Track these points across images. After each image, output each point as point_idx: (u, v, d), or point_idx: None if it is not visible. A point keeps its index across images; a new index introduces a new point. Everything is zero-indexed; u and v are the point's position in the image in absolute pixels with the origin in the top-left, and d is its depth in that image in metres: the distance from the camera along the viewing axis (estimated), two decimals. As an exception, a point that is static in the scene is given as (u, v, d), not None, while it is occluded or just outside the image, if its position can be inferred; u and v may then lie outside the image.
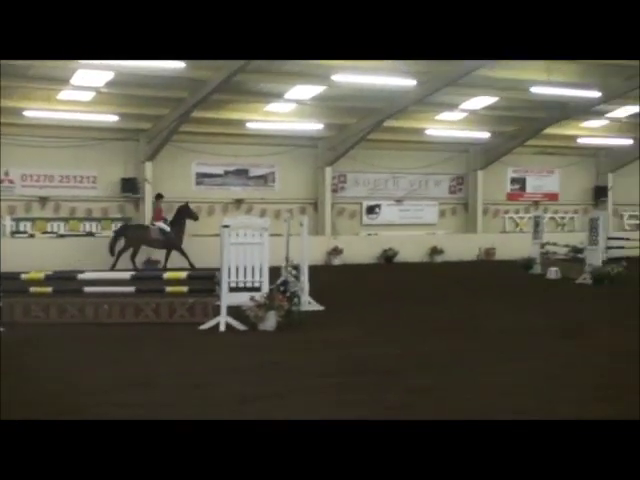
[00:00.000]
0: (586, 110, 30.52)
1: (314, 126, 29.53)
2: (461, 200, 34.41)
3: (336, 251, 29.33)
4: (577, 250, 25.10)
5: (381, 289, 20.78)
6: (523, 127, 32.46)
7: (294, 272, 16.05)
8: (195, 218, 25.98)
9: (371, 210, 32.88)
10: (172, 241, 25.12)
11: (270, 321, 13.22)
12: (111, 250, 24.47)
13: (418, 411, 7.97)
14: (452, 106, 29.87)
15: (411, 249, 30.34)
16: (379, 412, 7.84)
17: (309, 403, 8.25)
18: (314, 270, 16.98)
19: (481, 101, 29.44)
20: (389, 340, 12.51)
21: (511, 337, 12.84)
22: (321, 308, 15.73)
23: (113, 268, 23.60)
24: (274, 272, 15.04)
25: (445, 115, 30.98)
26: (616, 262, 22.71)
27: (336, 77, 23.49)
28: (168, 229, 25.18)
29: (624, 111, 31.98)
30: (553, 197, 35.88)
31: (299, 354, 11.33)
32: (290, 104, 28.20)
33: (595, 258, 22.28)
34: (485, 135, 32.33)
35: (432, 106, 29.22)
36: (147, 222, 26.60)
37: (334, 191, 31.99)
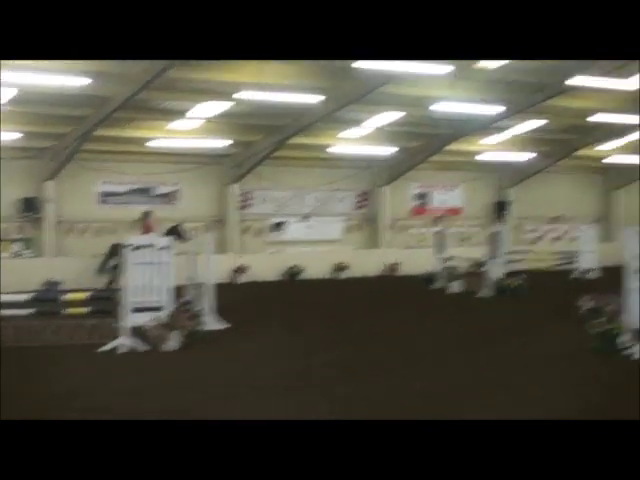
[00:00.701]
0: (488, 126, 31.22)
1: (219, 143, 29.48)
2: (366, 216, 34.79)
3: (241, 269, 29.29)
4: (479, 264, 25.62)
5: (286, 306, 20.84)
6: (427, 143, 33.01)
7: (199, 291, 16.02)
8: (184, 240, 25.01)
9: (277, 227, 32.97)
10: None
11: (173, 341, 13.18)
12: (101, 269, 24.76)
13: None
14: (357, 122, 30.18)
15: (316, 265, 30.49)
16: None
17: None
18: (219, 288, 16.96)
19: (385, 117, 29.84)
20: (292, 357, 12.60)
21: (416, 349, 13.12)
22: (226, 326, 15.73)
23: (109, 284, 23.98)
24: (178, 291, 14.99)
25: (350, 132, 31.28)
26: (516, 275, 23.28)
27: (240, 94, 23.52)
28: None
29: (524, 126, 32.87)
30: (456, 212, 36.54)
31: (203, 373, 11.34)
32: (194, 121, 28.13)
33: (496, 271, 22.82)
34: (389, 151, 32.74)
35: (337, 123, 29.47)
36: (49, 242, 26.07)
37: (240, 208, 31.99)
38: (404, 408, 8.95)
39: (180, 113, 26.91)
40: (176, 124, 28.01)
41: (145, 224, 25.29)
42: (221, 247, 30.39)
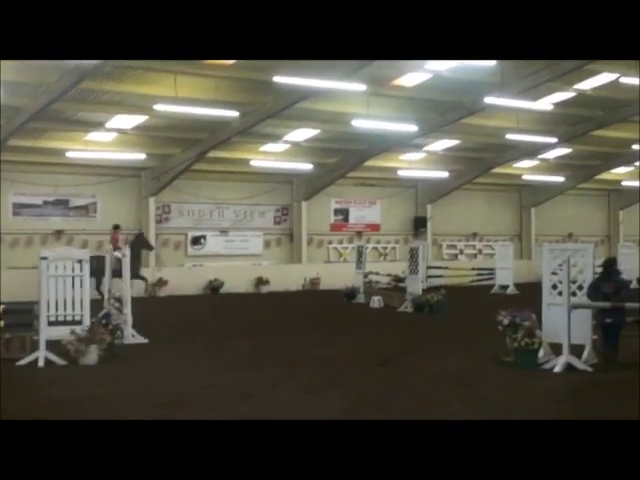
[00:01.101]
0: (405, 143, 31.67)
1: (137, 156, 29.14)
2: (286, 231, 34.81)
3: (161, 282, 29.02)
4: (398, 279, 25.90)
5: (206, 321, 20.68)
6: (345, 159, 33.24)
7: (117, 305, 15.80)
8: (150, 248, 27.99)
9: (196, 241, 32.70)
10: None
11: (91, 355, 12.97)
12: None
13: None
14: (276, 137, 30.30)
15: (237, 280, 30.42)
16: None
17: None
18: (138, 302, 16.77)
19: (304, 133, 30.03)
20: (211, 371, 12.50)
21: (330, 365, 13.13)
22: (145, 341, 15.53)
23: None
24: (96, 305, 14.75)
25: (269, 146, 31.35)
26: (435, 290, 23.55)
27: (158, 107, 23.34)
28: (122, 257, 24.44)
29: (440, 145, 33.43)
30: (375, 227, 36.79)
31: (120, 388, 11.17)
32: (111, 133, 27.79)
33: (415, 287, 23.05)
34: (308, 166, 32.83)
35: (256, 137, 29.53)
36: None
37: (158, 222, 31.65)
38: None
39: (97, 125, 26.59)
40: (93, 135, 27.63)
41: (113, 237, 26.99)
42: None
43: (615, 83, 26.00)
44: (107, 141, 28.35)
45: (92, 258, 25.09)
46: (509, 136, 30.99)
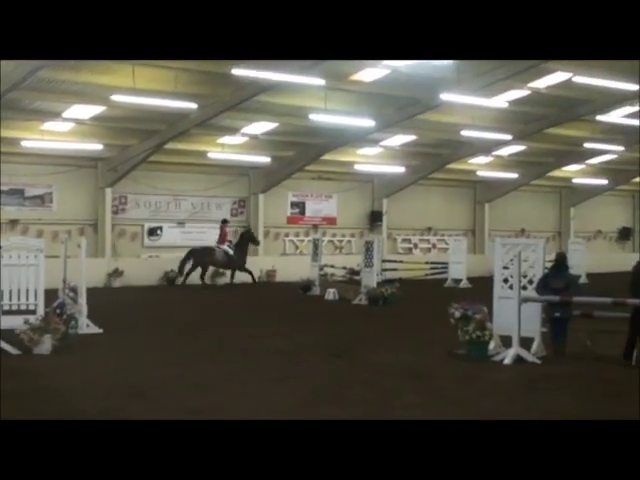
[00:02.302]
0: (362, 138, 31.72)
1: (94, 146, 28.87)
2: (243, 223, 34.68)
3: (116, 273, 28.81)
4: (354, 272, 25.96)
5: (161, 312, 20.59)
6: (302, 153, 33.26)
7: (72, 294, 15.67)
8: (257, 243, 30.52)
9: (153, 232, 32.51)
10: (235, 262, 28.49)
11: (45, 344, 12.86)
12: (180, 270, 28.29)
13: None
14: (233, 130, 30.20)
15: (194, 272, 30.22)
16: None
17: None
18: (93, 292, 16.63)
19: (262, 126, 29.99)
20: (166, 363, 12.45)
21: (286, 356, 13.16)
22: (99, 331, 15.42)
23: (183, 284, 27.88)
24: (50, 294, 14.61)
25: (227, 139, 31.25)
26: (390, 283, 23.69)
27: (115, 97, 23.14)
28: (231, 251, 28.46)
29: (397, 140, 33.56)
30: (331, 221, 36.87)
31: (73, 378, 11.10)
32: (69, 123, 27.51)
33: (370, 279, 23.15)
34: (266, 159, 32.82)
35: (214, 129, 29.41)
36: None
37: (115, 212, 31.42)
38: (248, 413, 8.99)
39: (54, 114, 26.30)
40: (49, 125, 27.32)
41: (222, 231, 29.57)
42: (96, 251, 29.83)
43: (568, 82, 26.25)
44: (64, 131, 28.05)
45: (199, 249, 29.76)
46: (465, 132, 31.21)
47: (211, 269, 30.15)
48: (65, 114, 26.39)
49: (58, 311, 14.11)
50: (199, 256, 28.40)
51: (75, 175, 30.42)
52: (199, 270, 28.51)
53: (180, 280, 28.31)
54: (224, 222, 29.94)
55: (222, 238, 29.13)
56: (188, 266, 28.28)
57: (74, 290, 15.69)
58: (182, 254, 31.45)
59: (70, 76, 22.73)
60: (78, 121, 27.26)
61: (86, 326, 15.28)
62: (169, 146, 29.28)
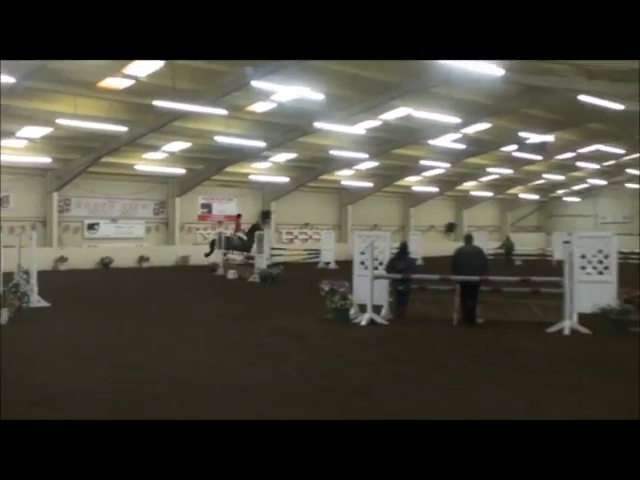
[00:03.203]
0: (255, 155, 31.60)
1: (43, 160, 27.77)
2: (163, 220, 34.06)
3: (62, 259, 27.79)
4: (249, 257, 25.86)
5: (97, 289, 19.99)
6: (210, 166, 32.84)
7: (25, 276, 15.01)
8: (261, 230, 27.54)
9: (91, 227, 31.54)
10: (246, 246, 27.15)
11: (3, 316, 12.30)
12: (209, 253, 27.65)
13: (129, 385, 7.84)
14: (156, 148, 29.58)
15: (124, 257, 29.53)
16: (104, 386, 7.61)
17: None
18: (43, 275, 16.00)
19: (178, 145, 29.49)
20: (102, 328, 12.13)
21: (194, 322, 13.00)
22: (48, 305, 14.85)
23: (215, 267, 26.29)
24: (8, 277, 13.97)
25: (150, 154, 30.56)
26: (277, 266, 23.68)
27: (60, 121, 22.36)
28: (245, 237, 27.59)
29: (282, 157, 33.55)
30: (232, 218, 36.39)
31: (29, 342, 10.67)
32: (22, 141, 26.37)
33: (262, 263, 23.10)
34: (181, 171, 32.29)
35: (140, 147, 28.73)
36: None
37: (60, 211, 30.29)
38: (179, 380, 8.87)
39: (10, 134, 25.14)
40: (7, 142, 26.03)
41: (237, 222, 29.66)
42: (45, 242, 28.73)
43: (409, 116, 26.84)
44: (19, 147, 26.85)
45: (219, 238, 28.10)
46: (333, 152, 31.49)
47: (136, 256, 29.56)
48: (19, 133, 25.30)
49: (13, 290, 13.48)
50: (220, 242, 27.71)
51: (28, 182, 29.15)
52: None
53: (215, 263, 27.21)
54: (238, 216, 30.29)
55: (237, 228, 29.19)
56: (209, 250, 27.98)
57: (27, 273, 15.02)
58: (115, 244, 30.85)
59: (23, 103, 21.81)
60: (30, 139, 26.19)
61: (37, 301, 14.69)
62: (104, 160, 28.43)
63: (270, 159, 33.74)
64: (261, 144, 28.47)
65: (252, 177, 34.97)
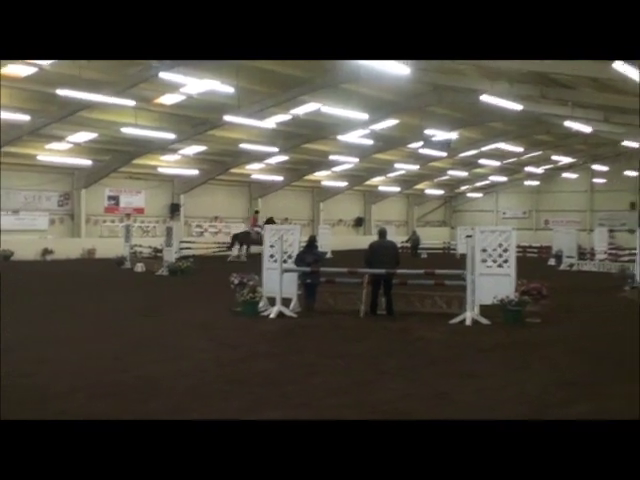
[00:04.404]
0: (164, 147, 31.06)
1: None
2: (68, 212, 32.98)
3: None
4: (157, 250, 25.50)
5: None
6: (117, 157, 32.05)
7: None
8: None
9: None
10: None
11: None
12: (230, 247, 30.16)
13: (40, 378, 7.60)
14: (60, 138, 28.61)
15: (26, 250, 28.48)
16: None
17: None
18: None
19: (84, 135, 28.62)
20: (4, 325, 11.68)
21: (104, 315, 12.72)
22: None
23: (238, 258, 29.09)
24: None
25: (55, 145, 29.52)
26: (186, 259, 23.41)
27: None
28: (263, 232, 25.68)
29: (192, 149, 33.13)
30: (140, 211, 35.80)
31: None
32: None
33: (170, 256, 22.81)
34: (87, 162, 31.32)
35: (44, 137, 27.74)
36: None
37: (-43, 203, 28.89)
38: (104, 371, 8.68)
39: None
40: None
41: (253, 218, 32.37)
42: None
43: (319, 111, 27.05)
44: None
45: (241, 233, 30.89)
46: (243, 145, 31.34)
47: (39, 248, 28.60)
48: None
49: None
50: (242, 238, 30.10)
51: None
52: None
53: (234, 255, 29.62)
54: (256, 212, 33.58)
55: (253, 223, 31.43)
56: (236, 245, 30.03)
57: None
58: (16, 237, 29.70)
59: None
60: None
61: None
62: (4, 149, 27.15)
63: (179, 152, 33.25)
64: (170, 136, 28.02)
65: (161, 169, 34.37)
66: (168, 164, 34.70)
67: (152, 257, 25.45)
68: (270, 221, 29.38)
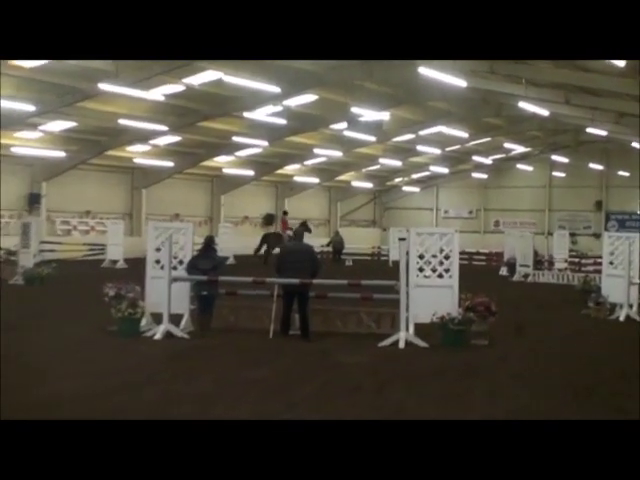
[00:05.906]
0: (20, 122, 30.27)
1: None
2: None
3: None
4: (10, 253, 24.92)
5: None
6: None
7: None
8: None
9: None
10: None
11: None
12: (258, 249, 33.70)
13: None
14: None
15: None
16: None
17: None
18: None
19: None
20: None
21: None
22: None
23: (266, 260, 30.85)
24: None
25: None
26: (47, 264, 22.98)
27: None
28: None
29: (57, 125, 32.46)
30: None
31: None
32: None
33: (27, 260, 22.37)
34: None
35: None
36: None
37: None
38: None
39: None
40: None
41: (283, 220, 37.55)
42: None
43: (219, 81, 26.97)
44: None
45: (271, 234, 35.17)
46: (122, 121, 30.91)
47: None
48: None
49: None
50: (273, 240, 33.10)
51: None
52: None
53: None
54: (285, 213, 38.82)
55: (284, 226, 36.36)
56: (264, 246, 33.49)
57: None
58: None
59: None
60: None
61: None
62: None
63: (40, 127, 32.48)
64: (29, 108, 27.35)
65: (16, 150, 33.48)
66: (26, 143, 33.85)
67: (3, 261, 24.83)
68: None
